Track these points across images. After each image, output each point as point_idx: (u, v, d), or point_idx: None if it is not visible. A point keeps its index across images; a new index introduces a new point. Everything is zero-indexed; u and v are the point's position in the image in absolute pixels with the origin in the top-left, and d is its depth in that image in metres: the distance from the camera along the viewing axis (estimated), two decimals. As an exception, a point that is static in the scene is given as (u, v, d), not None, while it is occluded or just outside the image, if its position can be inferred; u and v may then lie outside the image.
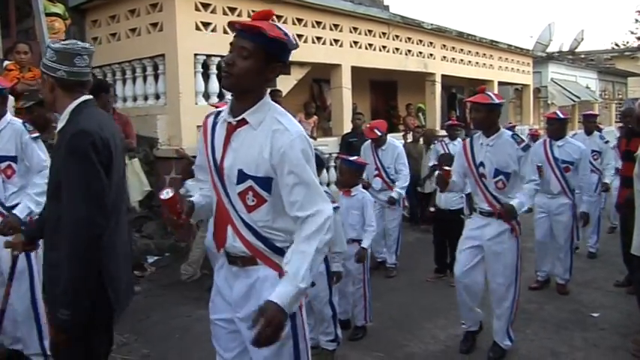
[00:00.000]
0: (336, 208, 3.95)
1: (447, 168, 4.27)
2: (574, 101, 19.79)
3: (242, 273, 2.21)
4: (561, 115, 6.01)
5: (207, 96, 7.75)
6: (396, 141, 6.82)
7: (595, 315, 5.16)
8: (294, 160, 2.06)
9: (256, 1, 8.19)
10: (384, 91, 14.66)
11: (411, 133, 9.89)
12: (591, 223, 7.24)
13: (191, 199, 2.40)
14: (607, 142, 7.43)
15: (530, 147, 4.28)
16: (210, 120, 2.27)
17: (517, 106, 18.71)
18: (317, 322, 4.11)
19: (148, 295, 5.60)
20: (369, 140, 6.65)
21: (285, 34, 2.10)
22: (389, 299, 5.74)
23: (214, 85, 7.76)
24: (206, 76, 7.73)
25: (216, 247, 2.32)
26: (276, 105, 2.22)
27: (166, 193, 2.23)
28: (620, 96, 26.58)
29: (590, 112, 8.24)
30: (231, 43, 2.13)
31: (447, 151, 7.42)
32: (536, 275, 6.10)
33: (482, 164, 4.17)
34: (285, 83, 9.29)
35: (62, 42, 2.53)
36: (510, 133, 4.25)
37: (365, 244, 4.68)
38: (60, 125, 2.48)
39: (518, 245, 4.19)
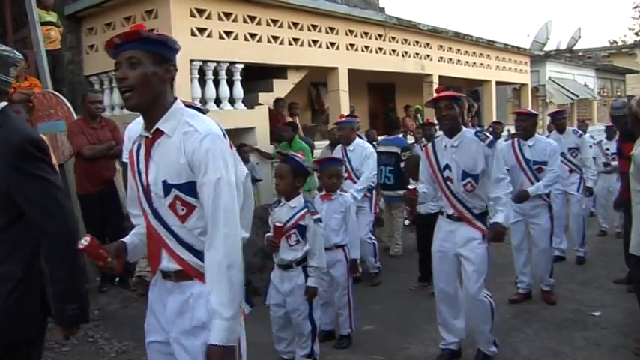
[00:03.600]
0: (317, 220, 3.82)
1: (410, 187, 4.07)
2: (572, 99, 19.79)
3: (176, 288, 2.16)
4: (533, 112, 5.79)
5: (204, 102, 7.73)
6: (366, 143, 6.61)
7: (596, 314, 5.15)
8: (202, 159, 2.03)
9: (251, 7, 8.22)
10: (382, 93, 14.66)
11: (412, 134, 9.85)
12: (578, 226, 6.99)
13: (122, 239, 2.33)
14: (581, 135, 7.15)
15: (495, 142, 4.09)
16: (135, 146, 2.23)
17: (515, 105, 18.68)
18: (295, 335, 3.97)
19: (147, 302, 5.58)
20: (340, 144, 6.56)
21: (162, 34, 2.17)
22: (389, 302, 5.74)
23: (211, 90, 7.77)
24: (202, 82, 7.73)
25: (151, 270, 2.30)
26: (188, 109, 2.20)
27: (83, 242, 2.12)
28: (619, 93, 26.57)
29: (557, 109, 7.75)
30: (116, 64, 2.12)
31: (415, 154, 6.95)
32: (515, 287, 5.70)
33: (447, 167, 4.01)
34: (282, 87, 9.32)
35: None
36: (473, 131, 4.13)
37: (355, 255, 4.65)
38: None
39: (488, 252, 4.04)
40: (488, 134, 4.18)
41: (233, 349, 2.00)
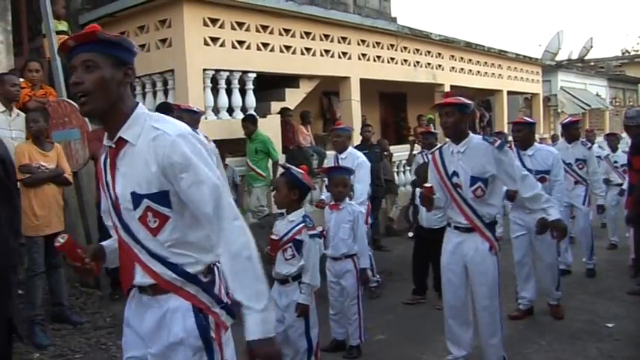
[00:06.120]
0: (314, 236, 3.72)
1: (427, 185, 3.97)
2: (584, 109, 19.73)
3: (153, 302, 2.05)
4: (530, 120, 5.62)
5: (216, 111, 7.79)
6: (358, 152, 6.43)
7: (610, 325, 5.10)
8: (181, 161, 1.91)
9: (264, 16, 8.28)
10: (394, 103, 14.69)
11: (419, 143, 9.81)
12: (587, 241, 6.82)
13: (101, 243, 2.23)
14: (589, 147, 6.99)
15: (505, 144, 3.96)
16: (102, 157, 2.10)
17: (527, 115, 18.64)
18: (294, 353, 3.78)
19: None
20: (334, 152, 6.48)
21: (118, 35, 2.02)
22: (401, 312, 5.72)
23: (224, 99, 7.81)
24: (215, 91, 7.78)
25: (123, 287, 2.17)
26: (152, 113, 2.08)
27: (60, 240, 2.04)
28: (632, 103, 26.44)
29: (571, 119, 7.31)
30: (71, 67, 1.97)
31: (426, 161, 6.60)
32: (516, 303, 5.44)
33: (455, 174, 3.92)
34: (294, 96, 9.35)
35: None
36: (480, 136, 4.04)
37: (365, 264, 4.61)
38: None
39: (498, 263, 3.97)
40: (496, 138, 4.12)
41: (273, 339, 1.89)
